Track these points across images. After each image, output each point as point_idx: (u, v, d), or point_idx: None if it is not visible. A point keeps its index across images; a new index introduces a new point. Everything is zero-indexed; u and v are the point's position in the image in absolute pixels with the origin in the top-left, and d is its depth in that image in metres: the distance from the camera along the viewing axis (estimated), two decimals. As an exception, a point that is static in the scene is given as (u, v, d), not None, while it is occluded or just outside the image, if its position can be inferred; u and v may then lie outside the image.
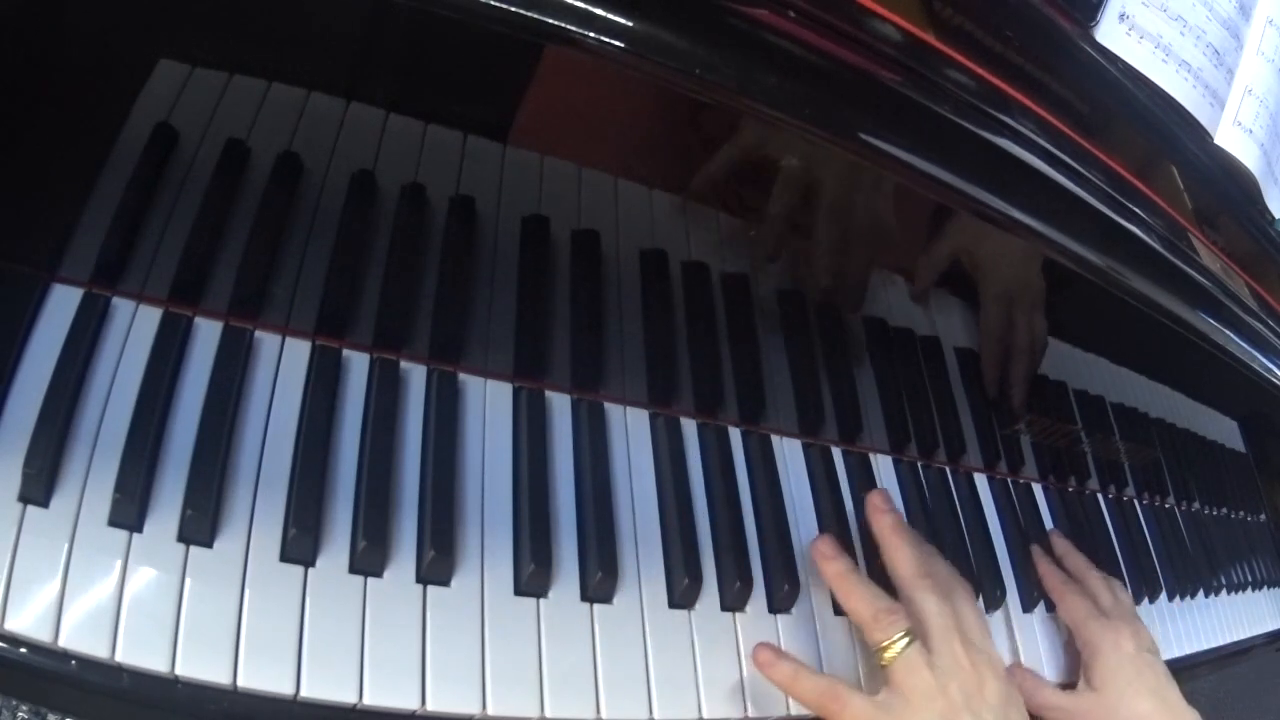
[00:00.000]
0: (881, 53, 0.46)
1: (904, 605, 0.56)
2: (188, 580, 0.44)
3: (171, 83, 0.45)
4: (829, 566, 0.58)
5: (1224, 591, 1.02)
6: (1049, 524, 0.82)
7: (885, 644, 0.54)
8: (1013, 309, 0.67)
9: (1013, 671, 0.69)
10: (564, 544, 0.54)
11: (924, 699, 0.52)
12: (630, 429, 0.61)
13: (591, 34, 0.39)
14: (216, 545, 0.46)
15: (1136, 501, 0.96)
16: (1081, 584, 0.75)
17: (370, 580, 0.48)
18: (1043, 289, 0.65)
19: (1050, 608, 0.76)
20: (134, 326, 0.49)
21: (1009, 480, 0.81)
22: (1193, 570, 0.97)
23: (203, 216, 0.49)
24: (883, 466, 0.72)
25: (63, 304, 0.48)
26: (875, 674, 0.58)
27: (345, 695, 0.45)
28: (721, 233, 0.59)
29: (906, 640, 0.53)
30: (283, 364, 0.52)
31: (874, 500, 0.62)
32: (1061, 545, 0.79)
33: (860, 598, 0.56)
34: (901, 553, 0.59)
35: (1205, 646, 0.93)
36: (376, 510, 0.49)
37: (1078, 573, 0.76)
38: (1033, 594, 0.75)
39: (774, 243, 0.60)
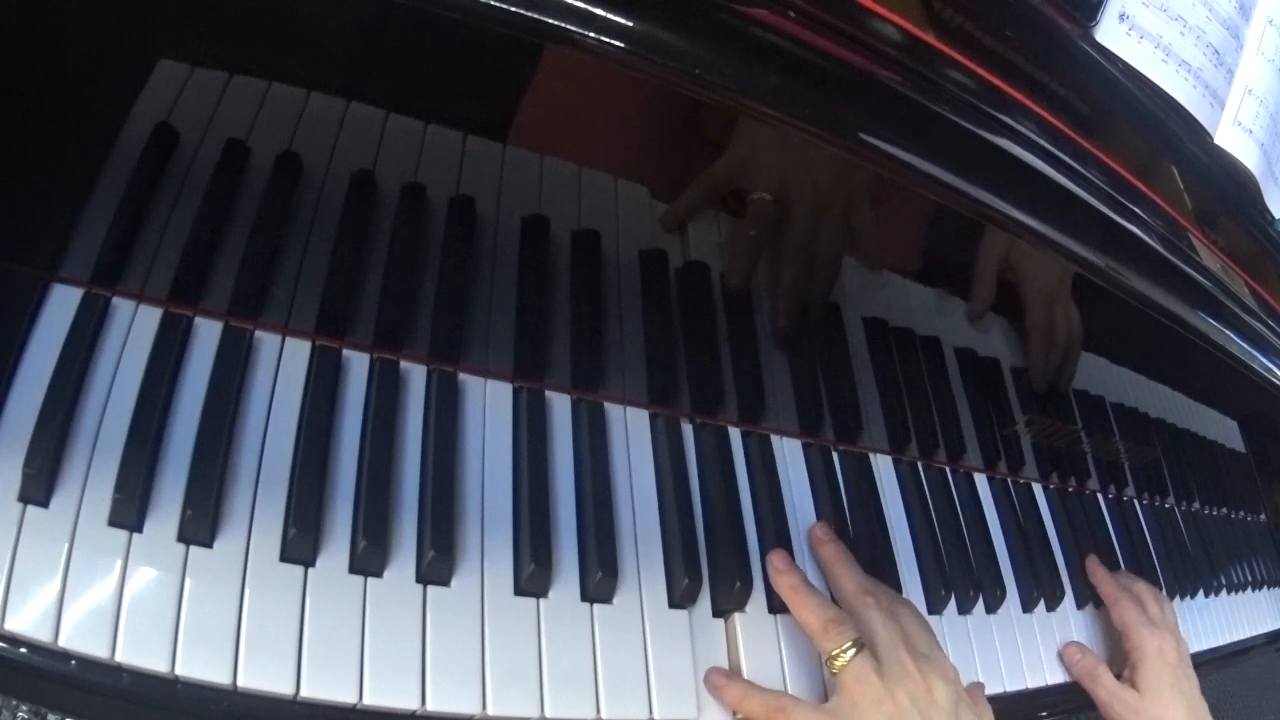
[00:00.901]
0: (881, 53, 0.46)
1: (852, 620, 0.57)
2: (188, 580, 0.44)
3: (171, 83, 0.45)
4: (782, 580, 0.59)
5: (1224, 591, 1.02)
6: (1049, 524, 0.83)
7: (835, 653, 0.55)
8: (1053, 305, 0.68)
9: (1073, 648, 0.73)
10: (564, 544, 0.54)
11: (872, 704, 0.54)
12: (630, 429, 0.61)
13: (591, 34, 0.39)
14: (216, 545, 0.46)
15: (1136, 501, 0.96)
16: (1132, 592, 0.78)
17: (370, 580, 0.48)
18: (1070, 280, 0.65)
19: (1050, 608, 0.76)
20: (134, 326, 0.49)
21: (1009, 480, 0.81)
22: (1193, 570, 0.97)
23: (203, 216, 0.49)
24: (883, 466, 0.72)
25: (63, 304, 0.48)
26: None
27: (345, 695, 0.45)
28: (721, 233, 0.59)
29: (854, 650, 0.55)
30: (283, 364, 0.52)
31: (816, 533, 0.64)
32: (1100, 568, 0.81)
33: (810, 609, 0.57)
34: (845, 576, 0.61)
35: (1205, 646, 0.93)
36: (376, 510, 0.49)
37: (1128, 582, 0.79)
38: (1032, 594, 0.75)
39: (745, 269, 0.61)
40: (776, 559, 0.60)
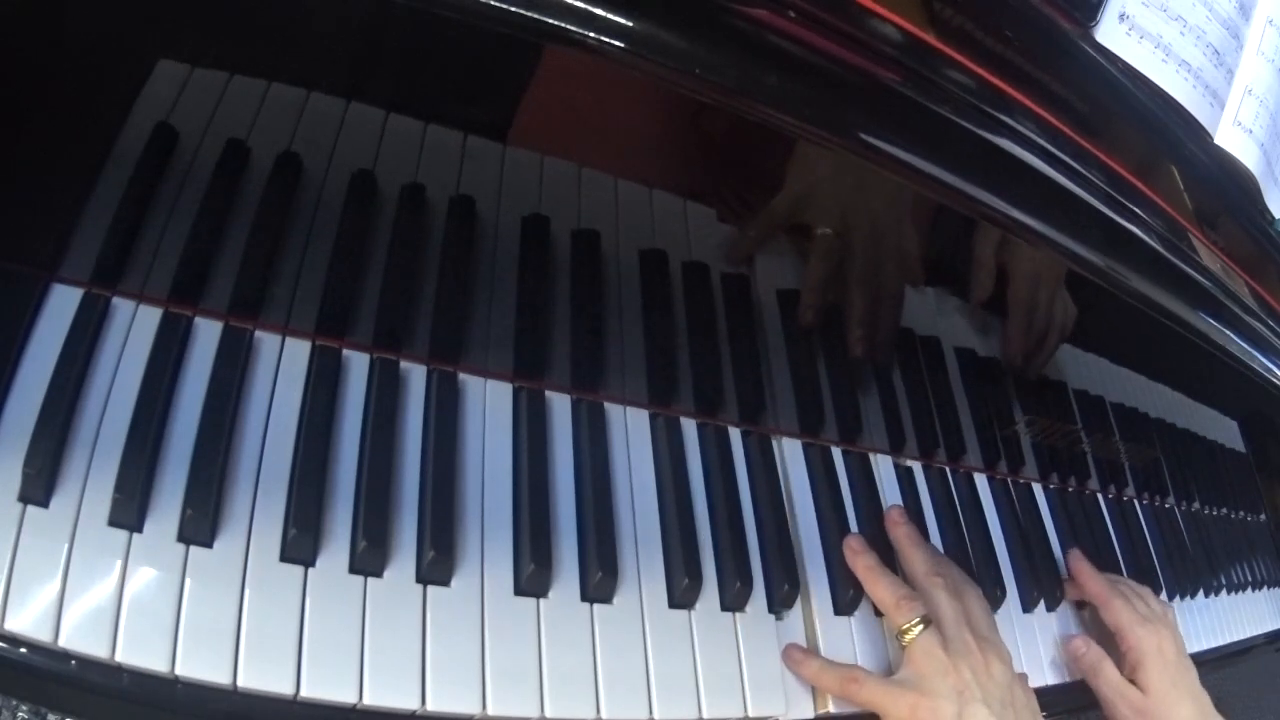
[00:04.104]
0: (881, 53, 0.46)
1: (921, 598, 0.61)
2: (188, 580, 0.44)
3: (171, 83, 0.45)
4: (858, 560, 0.64)
5: (1224, 591, 1.02)
6: (1049, 524, 0.82)
7: (905, 627, 0.60)
8: (1039, 289, 0.68)
9: (1079, 640, 0.73)
10: (564, 544, 0.54)
11: (938, 675, 0.58)
12: (630, 429, 0.61)
13: (591, 34, 0.39)
14: (216, 545, 0.46)
15: (1136, 501, 0.96)
16: (1120, 588, 0.77)
17: (370, 580, 0.48)
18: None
19: (1050, 608, 0.76)
20: (134, 326, 0.49)
21: (1009, 480, 0.81)
22: (1193, 570, 0.97)
23: (203, 216, 0.48)
24: (883, 466, 0.72)
25: (63, 304, 0.47)
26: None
27: (345, 695, 0.45)
28: (721, 233, 0.59)
29: (922, 625, 0.59)
30: (283, 364, 0.52)
31: (892, 515, 0.68)
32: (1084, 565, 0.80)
33: (885, 587, 0.62)
34: (916, 557, 0.65)
35: (1205, 646, 0.93)
36: (376, 510, 0.49)
37: (1112, 580, 0.78)
38: (1032, 594, 0.75)
39: (817, 303, 0.63)
40: (853, 541, 0.65)
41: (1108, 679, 0.71)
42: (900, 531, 0.67)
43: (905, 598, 0.61)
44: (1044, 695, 0.71)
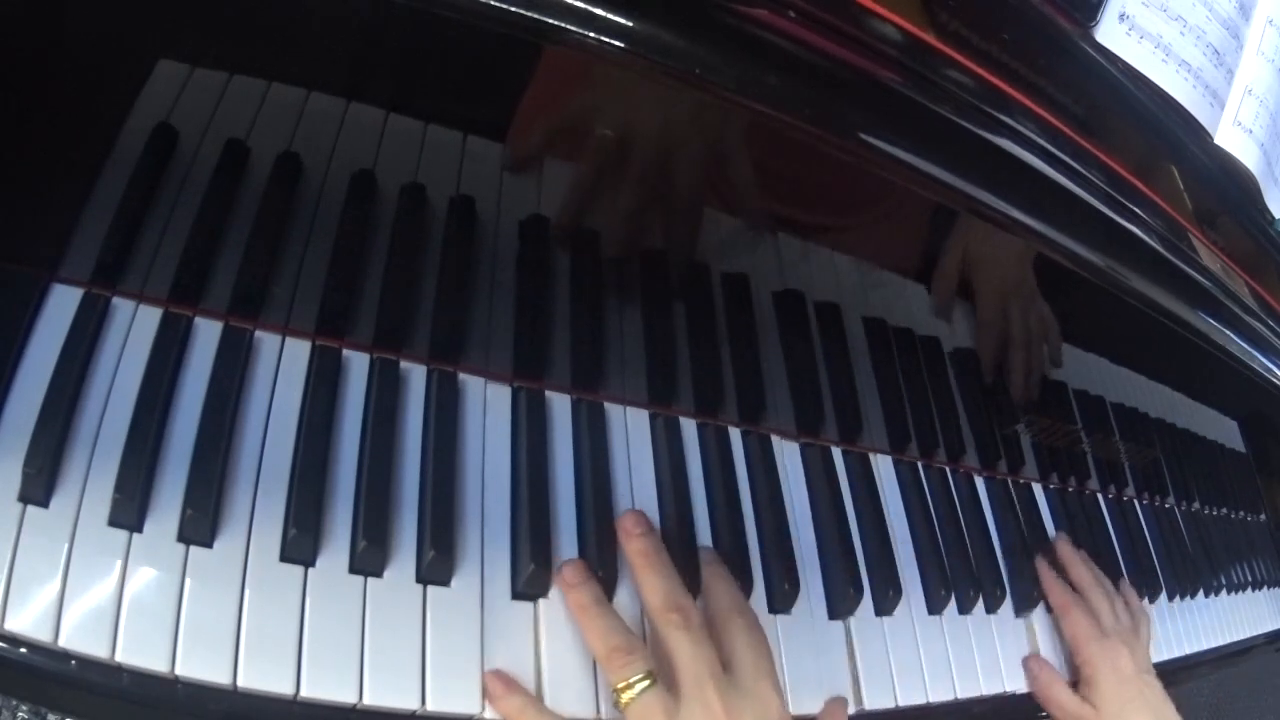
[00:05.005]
0: (881, 53, 0.46)
1: (655, 642, 0.51)
2: (188, 580, 0.44)
3: (171, 83, 0.45)
4: (572, 596, 0.51)
5: (1224, 591, 1.02)
6: (1049, 524, 0.82)
7: (620, 686, 0.48)
8: (1009, 301, 0.67)
9: (1032, 662, 0.71)
10: (564, 544, 0.54)
11: None
12: (630, 429, 0.61)
13: (591, 34, 0.39)
14: (216, 545, 0.46)
15: (1136, 501, 0.96)
16: (1085, 599, 0.75)
17: (370, 580, 0.48)
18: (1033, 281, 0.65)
19: (1050, 609, 0.76)
20: (134, 326, 0.49)
21: (1009, 480, 0.81)
22: (1193, 570, 0.97)
23: (203, 216, 0.48)
24: (882, 466, 0.72)
25: (63, 304, 0.48)
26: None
27: (345, 695, 0.45)
28: (722, 233, 0.59)
29: (646, 683, 0.48)
30: (283, 364, 0.52)
31: (625, 523, 0.54)
32: (1067, 553, 0.79)
33: (597, 632, 0.49)
34: (651, 584, 0.52)
35: (1205, 646, 0.93)
36: (376, 510, 0.49)
37: (1082, 586, 0.77)
38: (1032, 594, 0.75)
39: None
40: (569, 573, 0.51)
41: (1058, 702, 0.69)
42: (635, 546, 0.53)
43: (620, 649, 0.48)
44: (1044, 695, 0.71)
